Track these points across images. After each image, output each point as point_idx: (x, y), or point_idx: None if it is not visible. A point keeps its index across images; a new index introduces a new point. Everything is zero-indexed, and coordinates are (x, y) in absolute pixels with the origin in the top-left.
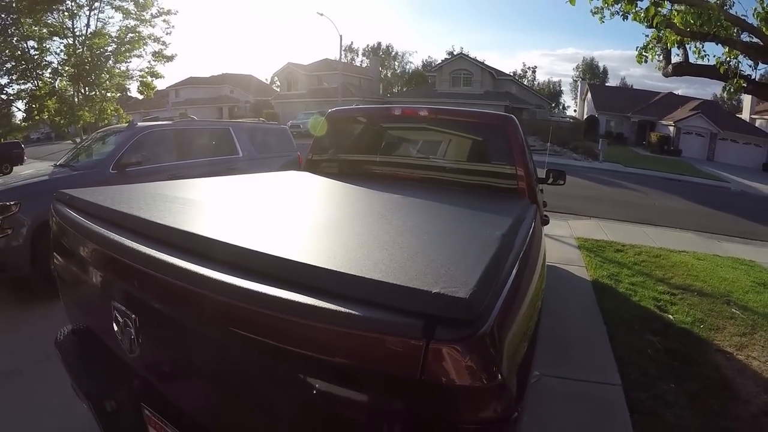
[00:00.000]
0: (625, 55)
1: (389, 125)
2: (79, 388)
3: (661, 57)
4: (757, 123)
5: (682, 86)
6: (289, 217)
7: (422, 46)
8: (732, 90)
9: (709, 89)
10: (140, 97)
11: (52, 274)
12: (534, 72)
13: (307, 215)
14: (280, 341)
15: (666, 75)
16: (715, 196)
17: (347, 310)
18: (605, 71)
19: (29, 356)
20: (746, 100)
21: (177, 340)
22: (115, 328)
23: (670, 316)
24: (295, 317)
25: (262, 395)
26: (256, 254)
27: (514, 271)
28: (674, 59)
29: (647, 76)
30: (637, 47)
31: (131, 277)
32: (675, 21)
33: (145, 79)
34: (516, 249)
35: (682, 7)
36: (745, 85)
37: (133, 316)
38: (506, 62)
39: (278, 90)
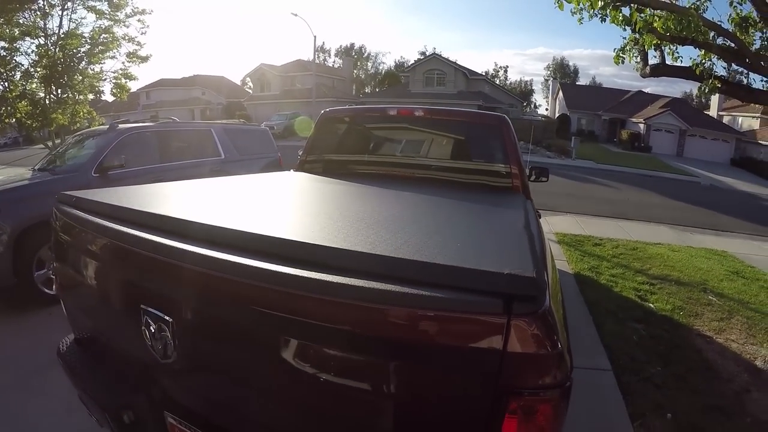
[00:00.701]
0: (595, 54)
1: (385, 125)
2: (94, 400)
3: (638, 58)
4: (725, 120)
5: (651, 84)
6: (317, 214)
7: (395, 46)
8: (707, 90)
9: (677, 87)
10: (111, 99)
11: (36, 284)
12: (506, 71)
13: (333, 212)
14: (362, 329)
15: (644, 76)
16: (686, 191)
17: (433, 293)
18: (576, 70)
19: (18, 371)
20: (714, 97)
21: (221, 341)
22: (146, 333)
23: (651, 305)
24: (379, 305)
25: (327, 393)
26: (310, 246)
27: (547, 254)
28: (651, 61)
29: (617, 75)
30: (614, 49)
31: (167, 276)
32: (656, 26)
33: (119, 81)
34: (537, 237)
35: (663, 13)
36: (719, 85)
37: (169, 318)
38: (478, 62)
39: (250, 91)
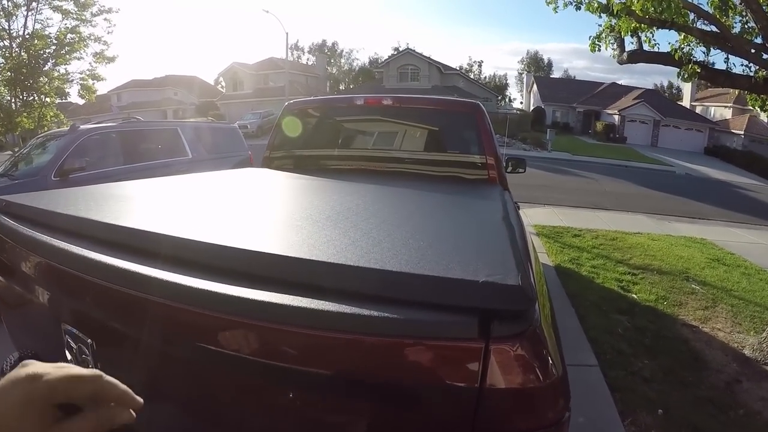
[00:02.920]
0: (567, 47)
1: (351, 116)
2: None
3: (615, 45)
4: (698, 110)
5: (623, 77)
6: (266, 214)
7: (368, 42)
8: (685, 76)
9: (649, 79)
10: (81, 102)
11: None
12: (480, 66)
13: (287, 211)
14: (287, 360)
15: (621, 62)
16: (662, 180)
17: (379, 313)
18: (550, 63)
19: None
20: (686, 88)
21: (150, 366)
22: (68, 356)
23: (634, 296)
24: (308, 329)
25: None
26: (244, 253)
27: (531, 252)
28: (628, 47)
29: (590, 68)
30: (590, 37)
31: (85, 294)
32: (635, 8)
33: (86, 82)
34: (518, 231)
35: None
36: (698, 70)
37: (89, 340)
38: (452, 57)
39: (223, 91)
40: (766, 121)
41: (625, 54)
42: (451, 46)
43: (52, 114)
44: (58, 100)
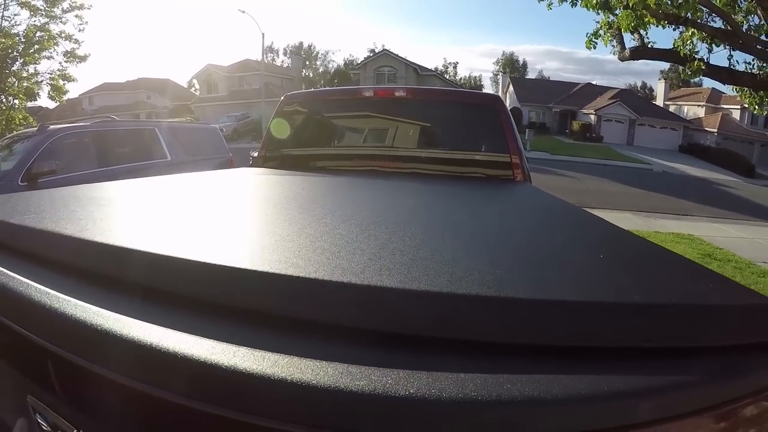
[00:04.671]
0: (540, 49)
1: (359, 111)
2: None
3: (615, 42)
4: (671, 109)
5: (596, 77)
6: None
7: (344, 44)
8: (690, 72)
9: (621, 79)
10: (51, 105)
11: None
12: (455, 67)
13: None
14: None
15: (622, 59)
16: (642, 178)
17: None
18: (525, 65)
19: None
20: (659, 88)
21: None
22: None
23: None
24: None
25: None
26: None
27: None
28: (627, 44)
29: (562, 69)
30: (587, 33)
31: (61, 361)
32: (650, 3)
33: (56, 83)
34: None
35: None
36: (703, 67)
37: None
38: (428, 58)
39: (197, 93)
40: (742, 121)
41: (627, 51)
42: (426, 48)
43: (20, 117)
44: (27, 103)
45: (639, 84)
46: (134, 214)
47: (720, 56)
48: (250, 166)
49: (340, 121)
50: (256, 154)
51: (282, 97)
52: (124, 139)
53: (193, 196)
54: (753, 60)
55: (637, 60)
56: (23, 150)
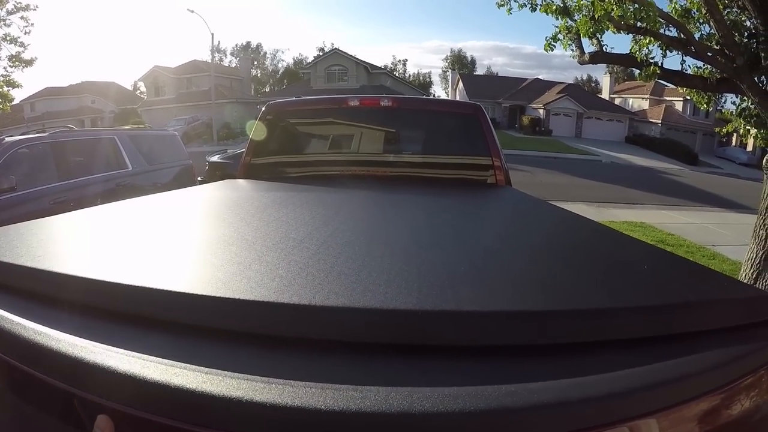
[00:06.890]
0: (487, 45)
1: (344, 119)
2: None
3: (574, 47)
4: (617, 102)
5: (542, 72)
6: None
7: (293, 43)
8: (645, 76)
9: (567, 74)
10: None
11: None
12: (404, 64)
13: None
14: None
15: (582, 63)
16: (591, 169)
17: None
18: (473, 61)
19: None
20: (605, 81)
21: None
22: None
23: None
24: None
25: None
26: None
27: None
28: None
29: (509, 64)
30: (546, 37)
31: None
32: (614, 16)
33: (0, 89)
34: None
35: (625, 6)
36: (658, 71)
37: None
38: (377, 56)
39: (144, 96)
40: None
41: (586, 55)
42: (375, 46)
43: None
44: None
45: (585, 77)
46: (107, 243)
47: (673, 60)
48: (237, 171)
49: (322, 129)
50: (212, 159)
51: (265, 105)
52: (83, 149)
53: (172, 218)
54: (703, 65)
55: (596, 64)
56: None
